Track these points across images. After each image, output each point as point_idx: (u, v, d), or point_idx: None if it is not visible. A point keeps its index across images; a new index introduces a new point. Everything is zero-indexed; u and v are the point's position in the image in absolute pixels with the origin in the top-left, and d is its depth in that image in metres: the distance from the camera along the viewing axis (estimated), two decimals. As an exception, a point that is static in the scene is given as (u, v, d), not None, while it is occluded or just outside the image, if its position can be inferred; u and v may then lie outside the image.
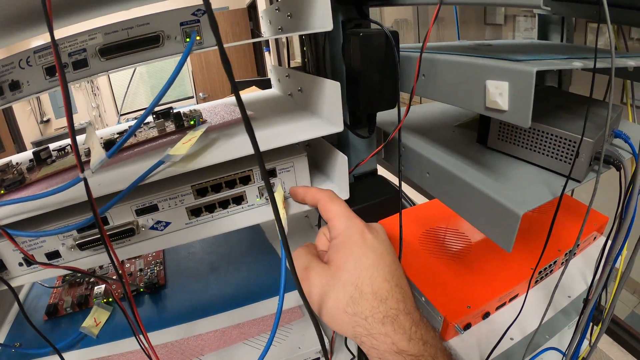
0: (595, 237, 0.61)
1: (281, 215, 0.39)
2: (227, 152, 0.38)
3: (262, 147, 0.38)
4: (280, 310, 0.39)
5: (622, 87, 0.56)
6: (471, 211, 0.40)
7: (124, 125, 0.52)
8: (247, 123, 0.25)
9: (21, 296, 0.58)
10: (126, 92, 3.37)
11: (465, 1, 0.41)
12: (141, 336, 0.39)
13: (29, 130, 3.18)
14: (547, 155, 0.45)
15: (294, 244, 0.53)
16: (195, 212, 0.40)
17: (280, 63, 3.33)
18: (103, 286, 0.51)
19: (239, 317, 0.46)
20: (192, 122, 0.45)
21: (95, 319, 0.47)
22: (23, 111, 3.17)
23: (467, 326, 0.50)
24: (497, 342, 0.48)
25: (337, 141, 0.48)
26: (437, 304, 0.49)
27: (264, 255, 0.53)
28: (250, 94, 0.60)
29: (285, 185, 0.42)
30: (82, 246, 0.40)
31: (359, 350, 0.54)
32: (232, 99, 0.58)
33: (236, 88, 0.23)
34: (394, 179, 0.50)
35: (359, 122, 0.46)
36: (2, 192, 0.42)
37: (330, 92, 0.40)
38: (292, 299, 0.46)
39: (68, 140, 0.53)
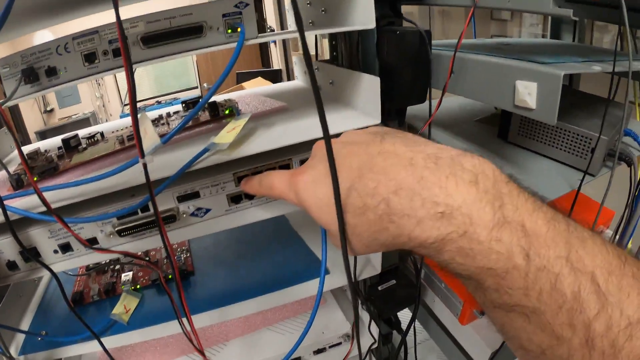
0: (602, 231, 0.65)
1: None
2: (272, 141, 0.39)
3: (306, 137, 0.39)
4: (321, 291, 0.40)
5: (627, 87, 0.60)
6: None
7: (154, 113, 0.52)
8: (319, 106, 0.26)
9: (41, 285, 0.58)
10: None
11: (497, 5, 0.43)
12: (184, 319, 0.40)
13: (33, 120, 3.07)
14: (565, 150, 0.48)
15: (315, 234, 0.55)
16: (235, 199, 0.41)
17: (286, 55, 3.27)
18: (130, 273, 0.52)
19: (268, 303, 0.47)
20: (227, 112, 0.46)
21: (125, 306, 0.48)
22: (26, 101, 3.08)
23: (484, 312, 0.53)
24: None
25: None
26: (457, 290, 0.51)
27: (289, 242, 0.54)
28: (276, 86, 0.61)
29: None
30: (121, 232, 0.40)
31: (380, 334, 0.56)
32: (260, 89, 0.59)
33: (314, 80, 0.24)
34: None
35: (389, 116, 0.48)
36: (35, 178, 0.42)
37: (369, 86, 0.41)
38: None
39: (97, 128, 0.53)
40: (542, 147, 0.49)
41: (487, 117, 0.54)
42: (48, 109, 3.21)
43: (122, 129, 0.50)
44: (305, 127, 0.41)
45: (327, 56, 0.53)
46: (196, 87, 3.99)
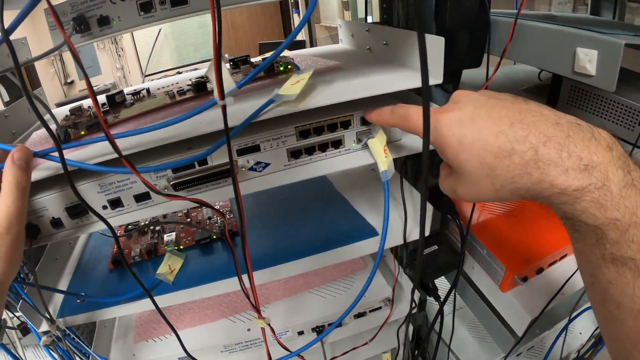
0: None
1: (385, 159, 0.41)
2: (336, 95, 0.38)
3: (368, 93, 0.39)
4: (382, 247, 0.40)
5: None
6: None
7: (201, 71, 0.51)
8: (422, 52, 0.26)
9: (77, 247, 0.57)
10: (151, 53, 3.22)
11: None
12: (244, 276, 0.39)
13: (53, 92, 3.02)
14: (614, 122, 0.48)
15: (360, 197, 0.55)
16: (295, 154, 0.41)
17: (310, 26, 3.16)
18: (173, 234, 0.51)
19: (318, 263, 0.46)
20: (281, 68, 0.45)
21: (169, 266, 0.47)
22: (47, 73, 3.01)
23: (525, 279, 0.53)
24: (554, 295, 0.51)
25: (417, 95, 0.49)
26: (499, 257, 0.52)
27: (334, 204, 0.53)
28: (322, 48, 0.60)
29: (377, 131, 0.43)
30: (176, 187, 0.39)
31: (420, 300, 0.56)
32: (307, 50, 0.58)
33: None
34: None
35: (443, 78, 0.47)
36: (83, 133, 0.41)
37: (432, 46, 0.40)
38: (369, 246, 0.47)
39: (141, 85, 0.52)
40: (590, 118, 0.49)
41: (532, 87, 0.54)
42: (68, 80, 3.17)
43: (169, 85, 0.49)
44: (364, 85, 0.40)
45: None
46: None
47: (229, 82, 0.34)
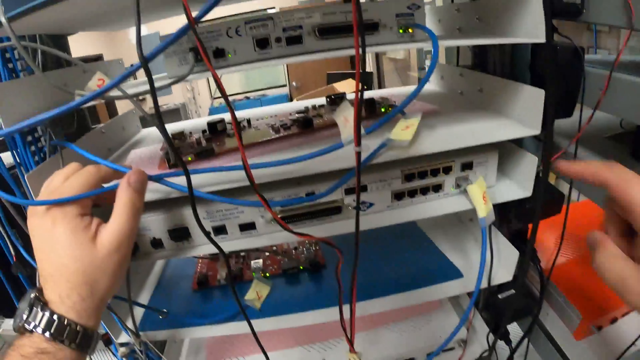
0: None
1: (484, 205, 0.42)
2: (443, 142, 0.40)
3: (474, 142, 0.40)
4: (478, 290, 0.41)
5: None
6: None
7: (299, 105, 0.54)
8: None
9: (158, 266, 0.59)
10: (220, 76, 3.44)
11: None
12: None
13: (124, 108, 3.20)
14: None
15: (443, 237, 0.56)
16: (398, 195, 0.42)
17: (377, 59, 3.18)
18: (260, 261, 0.53)
19: (404, 301, 0.47)
20: (382, 110, 0.47)
21: (257, 292, 0.49)
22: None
23: (600, 328, 0.53)
24: (629, 346, 0.51)
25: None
26: (576, 304, 0.52)
27: (419, 243, 0.55)
28: (414, 88, 0.62)
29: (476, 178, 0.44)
30: (285, 219, 0.41)
31: (493, 342, 0.56)
32: (403, 89, 0.60)
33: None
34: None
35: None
36: (190, 159, 0.43)
37: (531, 97, 0.42)
38: (453, 288, 0.48)
39: (243, 114, 0.54)
40: None
41: (616, 135, 0.55)
42: (140, 97, 3.33)
43: (265, 117, 0.52)
44: (468, 133, 0.42)
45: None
46: (284, 85, 4.04)
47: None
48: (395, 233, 0.58)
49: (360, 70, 0.31)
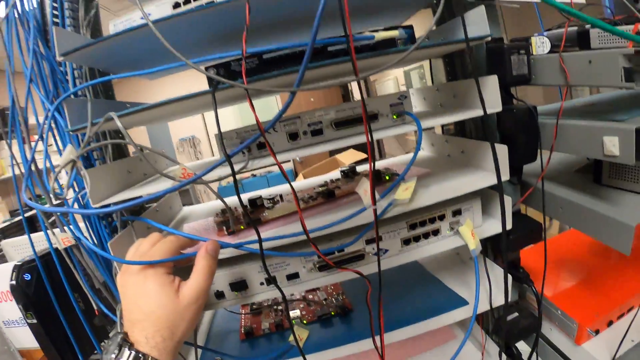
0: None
1: (473, 240, 0.52)
2: (436, 195, 0.51)
3: (459, 193, 0.52)
4: (476, 307, 0.50)
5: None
6: (597, 231, 0.54)
7: (319, 179, 0.66)
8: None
9: (206, 320, 0.68)
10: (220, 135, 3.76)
11: (586, 83, 0.57)
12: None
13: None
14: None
15: (448, 275, 0.66)
16: (406, 241, 0.53)
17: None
18: (297, 311, 0.62)
19: (421, 329, 0.56)
20: (387, 177, 0.58)
21: (299, 335, 0.57)
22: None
23: (597, 331, 0.61)
24: (620, 340, 0.58)
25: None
26: (571, 313, 0.61)
27: (428, 282, 0.64)
28: (407, 156, 0.75)
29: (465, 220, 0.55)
30: (321, 268, 0.51)
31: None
32: (402, 158, 0.74)
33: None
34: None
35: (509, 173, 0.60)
36: (242, 227, 0.54)
37: (499, 153, 0.54)
38: (461, 313, 0.57)
39: (273, 191, 0.66)
40: (630, 184, 0.60)
41: (582, 167, 0.67)
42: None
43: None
44: (454, 187, 0.53)
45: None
46: (288, 160, 4.17)
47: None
48: (406, 275, 0.68)
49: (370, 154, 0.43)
